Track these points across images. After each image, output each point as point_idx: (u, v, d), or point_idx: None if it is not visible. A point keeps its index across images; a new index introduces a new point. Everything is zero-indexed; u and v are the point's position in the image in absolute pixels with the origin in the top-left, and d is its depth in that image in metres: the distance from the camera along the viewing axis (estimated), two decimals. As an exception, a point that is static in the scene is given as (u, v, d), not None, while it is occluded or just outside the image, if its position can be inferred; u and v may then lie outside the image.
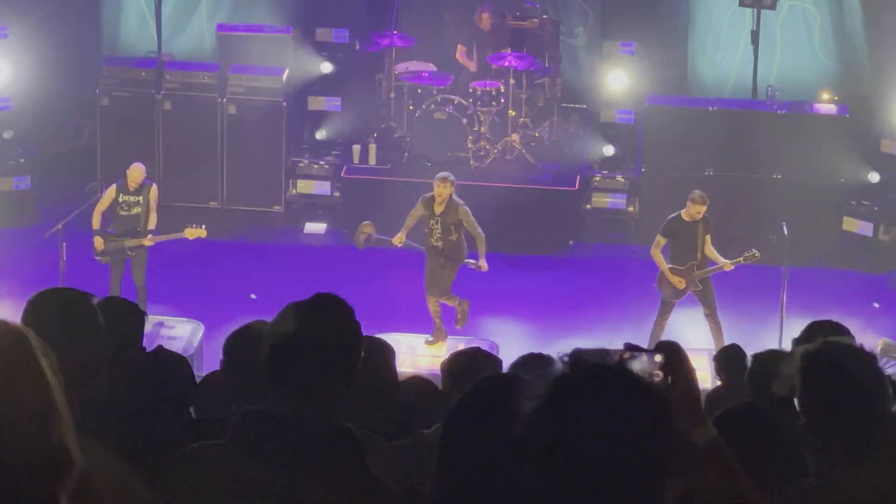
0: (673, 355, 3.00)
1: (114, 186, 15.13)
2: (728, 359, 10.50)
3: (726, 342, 14.20)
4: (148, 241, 14.94)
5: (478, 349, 6.89)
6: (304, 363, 3.57)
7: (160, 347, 6.26)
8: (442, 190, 14.61)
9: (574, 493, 2.53)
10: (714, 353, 14.01)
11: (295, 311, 3.65)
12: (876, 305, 16.16)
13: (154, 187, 15.18)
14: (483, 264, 14.74)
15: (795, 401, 3.94)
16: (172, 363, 5.94)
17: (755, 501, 3.22)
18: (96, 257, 14.98)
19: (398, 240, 14.93)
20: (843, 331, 5.77)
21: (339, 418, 3.59)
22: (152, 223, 15.03)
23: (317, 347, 3.58)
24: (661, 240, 14.63)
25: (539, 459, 2.55)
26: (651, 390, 2.63)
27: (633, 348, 2.94)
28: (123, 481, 3.61)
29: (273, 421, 3.55)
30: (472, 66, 18.48)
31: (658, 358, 2.98)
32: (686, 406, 3.03)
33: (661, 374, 2.97)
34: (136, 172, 15.09)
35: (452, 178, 14.79)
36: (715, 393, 10.00)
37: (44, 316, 4.34)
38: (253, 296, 15.10)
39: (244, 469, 3.50)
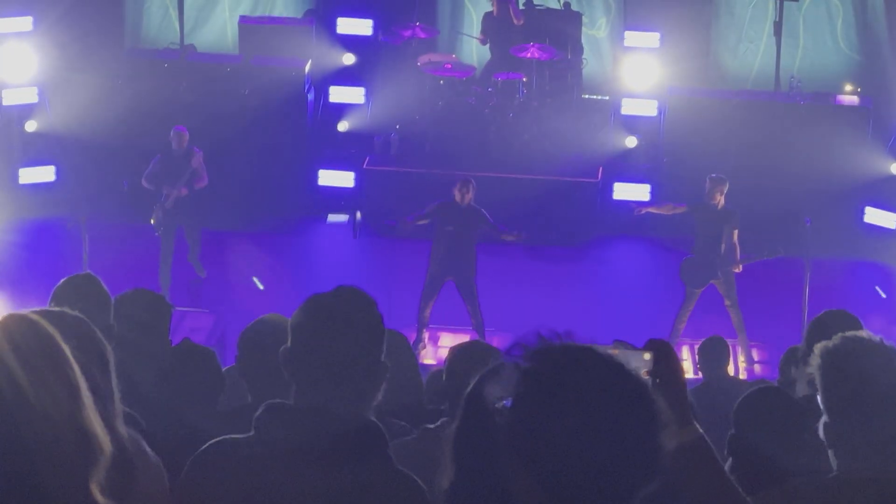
0: (661, 354, 2.95)
1: (158, 157, 15.41)
2: (706, 351, 10.26)
3: (748, 333, 14.25)
4: (176, 193, 15.20)
5: (475, 341, 6.88)
6: (326, 355, 3.56)
7: (186, 340, 6.22)
8: (466, 195, 14.25)
9: (564, 481, 2.43)
10: (737, 342, 14.10)
11: (317, 303, 3.65)
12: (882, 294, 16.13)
13: (198, 154, 15.39)
14: (515, 233, 14.43)
15: (818, 398, 3.89)
16: (199, 356, 5.91)
17: (742, 501, 3.18)
18: (152, 223, 15.21)
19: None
20: (850, 320, 5.67)
21: (363, 411, 3.59)
22: (199, 185, 15.31)
23: (339, 339, 3.57)
24: (684, 208, 14.75)
25: (523, 456, 2.46)
26: (610, 362, 2.50)
27: (621, 345, 2.88)
28: (154, 474, 3.64)
29: (297, 414, 3.55)
30: (518, 21, 18.26)
31: (646, 356, 2.93)
32: (672, 405, 2.98)
33: (647, 372, 2.92)
34: (177, 137, 15.30)
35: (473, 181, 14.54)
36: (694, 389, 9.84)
37: (62, 301, 4.42)
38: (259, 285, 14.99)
39: (269, 463, 3.50)
